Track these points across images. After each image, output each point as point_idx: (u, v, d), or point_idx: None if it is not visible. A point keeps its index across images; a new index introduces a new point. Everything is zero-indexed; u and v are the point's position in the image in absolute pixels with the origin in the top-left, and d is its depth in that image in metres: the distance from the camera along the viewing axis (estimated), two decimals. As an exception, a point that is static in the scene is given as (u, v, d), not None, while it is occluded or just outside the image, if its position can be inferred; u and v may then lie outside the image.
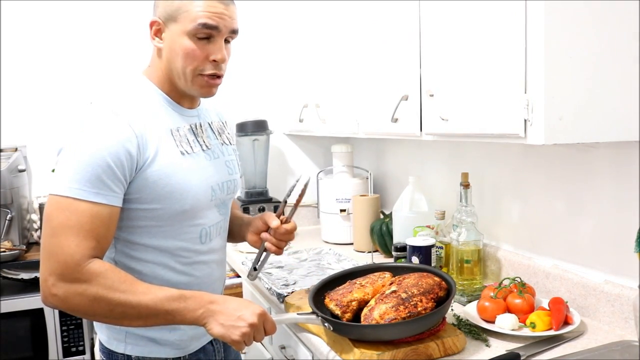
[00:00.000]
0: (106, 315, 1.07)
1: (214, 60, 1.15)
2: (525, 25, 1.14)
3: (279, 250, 1.38)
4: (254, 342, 1.11)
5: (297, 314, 1.28)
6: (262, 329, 1.11)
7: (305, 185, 1.33)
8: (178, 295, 1.07)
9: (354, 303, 1.28)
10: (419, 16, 1.53)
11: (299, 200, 1.37)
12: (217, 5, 1.13)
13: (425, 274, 1.34)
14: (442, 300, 1.26)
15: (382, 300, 1.24)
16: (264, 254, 1.40)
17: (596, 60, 1.15)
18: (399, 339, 1.20)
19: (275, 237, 1.36)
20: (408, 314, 1.19)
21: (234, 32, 1.18)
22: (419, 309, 1.20)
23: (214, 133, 1.30)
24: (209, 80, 1.17)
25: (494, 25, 1.24)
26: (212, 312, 1.08)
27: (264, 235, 1.37)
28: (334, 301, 1.28)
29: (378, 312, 1.20)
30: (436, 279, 1.31)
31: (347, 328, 1.24)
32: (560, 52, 1.12)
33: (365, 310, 1.25)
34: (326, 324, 1.21)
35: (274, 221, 1.35)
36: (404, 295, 1.23)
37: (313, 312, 1.25)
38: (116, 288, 1.04)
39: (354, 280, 1.37)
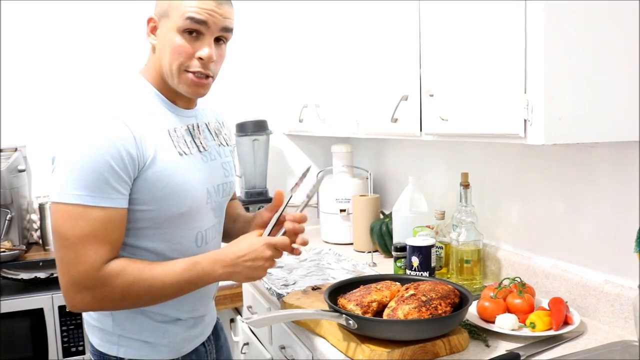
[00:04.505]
0: (135, 304, 1.12)
1: (200, 58, 1.13)
2: (525, 26, 1.14)
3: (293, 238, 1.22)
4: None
5: (322, 310, 1.28)
6: (277, 252, 1.17)
7: (319, 181, 1.26)
8: (192, 264, 1.12)
9: (374, 304, 1.29)
10: (419, 16, 1.53)
11: (312, 194, 1.26)
12: (207, 2, 1.11)
13: (437, 281, 1.37)
14: (456, 307, 1.28)
15: (403, 301, 1.25)
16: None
17: (596, 61, 1.15)
18: (417, 338, 1.21)
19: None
20: (430, 316, 1.21)
21: (226, 30, 1.16)
22: (439, 311, 1.22)
23: (211, 134, 1.29)
24: (193, 78, 1.14)
25: (494, 25, 1.24)
26: (230, 268, 1.13)
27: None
28: (353, 301, 1.29)
29: (402, 312, 1.22)
30: (449, 286, 1.33)
31: (374, 324, 1.23)
32: (560, 52, 1.12)
33: (387, 311, 1.26)
34: (350, 322, 1.22)
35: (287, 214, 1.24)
36: (423, 298, 1.25)
37: (336, 310, 1.26)
38: (138, 279, 1.07)
39: (368, 285, 1.38)
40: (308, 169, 1.29)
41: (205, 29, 1.12)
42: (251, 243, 1.16)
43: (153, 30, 1.17)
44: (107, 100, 1.12)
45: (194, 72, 1.14)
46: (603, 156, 1.39)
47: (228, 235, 1.38)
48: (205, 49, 1.13)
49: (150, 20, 1.17)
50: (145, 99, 1.16)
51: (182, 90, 1.17)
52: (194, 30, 1.12)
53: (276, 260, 1.18)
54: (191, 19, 1.10)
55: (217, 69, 1.19)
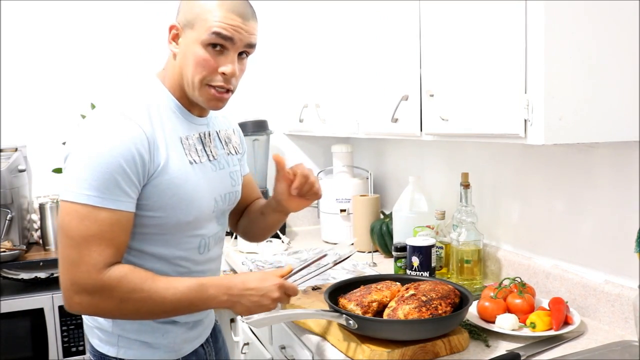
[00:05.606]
0: (133, 315, 1.10)
1: (224, 74, 1.13)
2: (525, 26, 1.14)
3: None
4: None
5: (322, 310, 1.29)
6: (285, 297, 1.16)
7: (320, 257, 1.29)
8: (198, 286, 1.09)
9: (374, 304, 1.29)
10: (419, 16, 1.53)
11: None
12: (235, 18, 1.11)
13: (437, 281, 1.36)
14: (456, 307, 1.28)
15: (403, 301, 1.25)
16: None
17: (596, 60, 1.15)
18: (418, 338, 1.21)
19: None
20: (430, 316, 1.21)
21: (250, 46, 1.16)
22: (440, 311, 1.22)
23: (221, 142, 1.29)
24: (215, 93, 1.14)
25: (494, 25, 1.24)
26: (235, 298, 1.12)
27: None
28: (354, 301, 1.29)
29: (402, 312, 1.22)
30: (450, 286, 1.33)
31: (375, 324, 1.24)
32: (560, 52, 1.12)
33: (387, 311, 1.26)
34: (351, 322, 1.22)
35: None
36: (424, 299, 1.25)
37: (336, 310, 1.26)
38: (139, 289, 1.05)
39: (369, 285, 1.38)
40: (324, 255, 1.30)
41: (231, 44, 1.12)
42: (264, 279, 1.15)
43: (175, 37, 1.16)
44: (123, 101, 1.12)
45: (215, 87, 1.14)
46: (603, 156, 1.39)
47: (256, 229, 1.47)
48: (229, 66, 1.13)
49: (172, 27, 1.15)
50: (161, 103, 1.16)
51: (200, 102, 1.17)
52: (218, 44, 1.11)
53: (276, 306, 1.17)
54: (217, 34, 1.10)
55: (237, 83, 1.19)
